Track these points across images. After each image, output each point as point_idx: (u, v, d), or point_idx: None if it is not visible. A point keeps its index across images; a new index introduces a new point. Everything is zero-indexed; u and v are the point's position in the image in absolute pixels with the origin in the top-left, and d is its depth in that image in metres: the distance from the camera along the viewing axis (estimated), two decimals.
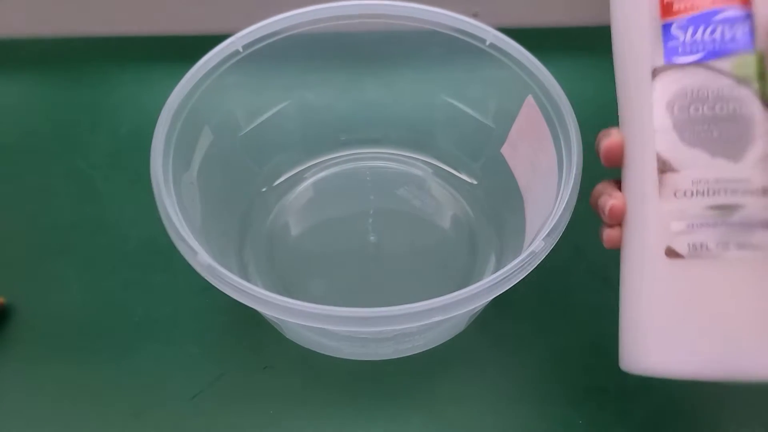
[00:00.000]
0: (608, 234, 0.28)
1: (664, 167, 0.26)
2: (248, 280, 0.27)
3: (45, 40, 0.52)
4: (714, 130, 0.25)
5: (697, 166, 0.25)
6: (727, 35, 0.25)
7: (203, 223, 0.33)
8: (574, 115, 0.31)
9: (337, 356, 0.35)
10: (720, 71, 0.25)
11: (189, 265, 0.28)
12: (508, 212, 0.38)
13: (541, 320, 0.37)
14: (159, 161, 0.30)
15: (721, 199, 0.25)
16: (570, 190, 0.30)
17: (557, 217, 0.29)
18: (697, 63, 0.25)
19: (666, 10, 0.26)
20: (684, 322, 0.25)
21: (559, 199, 0.30)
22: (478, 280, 0.27)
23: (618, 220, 0.27)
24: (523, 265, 0.27)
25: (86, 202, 0.42)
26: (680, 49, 0.26)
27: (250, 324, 0.36)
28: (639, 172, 0.26)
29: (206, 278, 0.28)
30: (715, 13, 0.25)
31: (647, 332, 0.26)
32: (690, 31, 0.25)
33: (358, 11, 0.36)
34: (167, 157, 0.31)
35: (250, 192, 0.41)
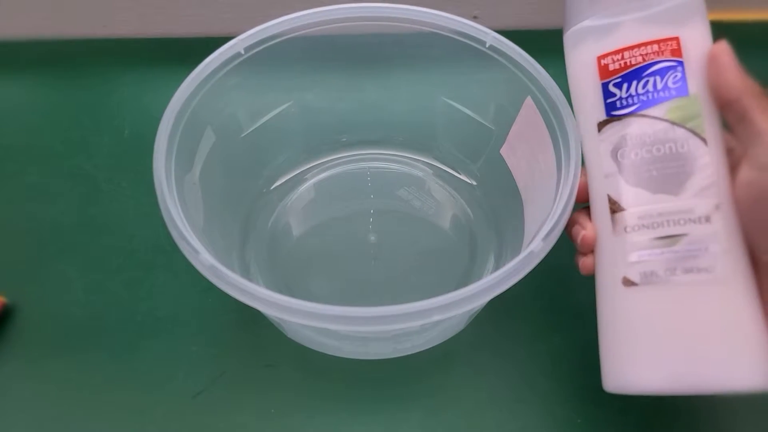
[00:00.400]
0: (582, 261, 0.30)
1: (614, 207, 0.28)
2: (250, 280, 0.27)
3: (47, 42, 0.52)
4: (653, 170, 0.27)
5: (641, 203, 0.28)
6: (659, 85, 0.28)
7: (205, 223, 0.33)
8: (572, 117, 0.31)
9: (338, 355, 0.36)
10: (655, 117, 0.28)
11: (191, 265, 0.28)
12: (507, 213, 0.38)
13: (540, 319, 0.37)
14: (162, 162, 0.31)
15: (665, 231, 0.27)
16: (568, 190, 0.30)
17: (556, 217, 0.29)
18: (633, 113, 0.28)
19: (603, 71, 0.29)
20: (644, 343, 0.27)
21: (557, 199, 0.30)
22: (478, 280, 0.27)
23: (589, 248, 0.30)
24: (522, 264, 0.28)
25: (89, 202, 0.42)
26: (618, 104, 0.28)
27: (252, 323, 0.36)
28: (598, 210, 0.29)
29: (208, 278, 0.28)
30: (646, 68, 0.28)
31: (616, 355, 0.28)
32: (625, 86, 0.28)
33: (358, 14, 0.36)
34: (170, 158, 0.31)
35: (252, 193, 0.41)
